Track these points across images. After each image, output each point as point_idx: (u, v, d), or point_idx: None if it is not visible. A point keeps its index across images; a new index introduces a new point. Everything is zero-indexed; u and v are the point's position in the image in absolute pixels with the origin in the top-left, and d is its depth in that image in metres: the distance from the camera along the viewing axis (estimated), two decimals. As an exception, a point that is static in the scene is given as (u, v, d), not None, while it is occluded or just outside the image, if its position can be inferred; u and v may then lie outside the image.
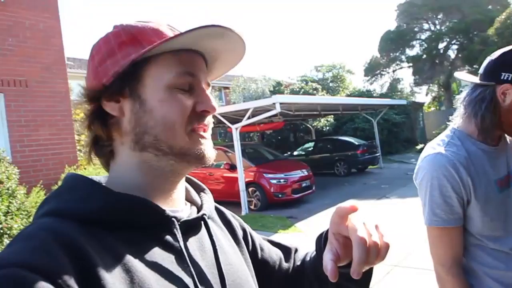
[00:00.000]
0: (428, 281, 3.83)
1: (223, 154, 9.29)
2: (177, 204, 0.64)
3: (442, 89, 24.52)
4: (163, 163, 0.59)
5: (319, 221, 6.93)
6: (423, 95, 30.65)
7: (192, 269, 0.56)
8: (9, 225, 3.07)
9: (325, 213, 7.56)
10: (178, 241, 0.57)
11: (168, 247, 0.57)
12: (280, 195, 8.38)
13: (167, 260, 0.55)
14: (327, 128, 17.79)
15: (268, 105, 8.00)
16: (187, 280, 0.55)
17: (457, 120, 1.36)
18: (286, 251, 0.85)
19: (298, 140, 18.47)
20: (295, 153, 14.44)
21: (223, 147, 9.54)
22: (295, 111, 10.93)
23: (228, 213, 0.81)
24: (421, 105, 22.96)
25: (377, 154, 13.56)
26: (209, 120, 0.63)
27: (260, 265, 0.77)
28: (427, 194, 1.27)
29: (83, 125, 0.62)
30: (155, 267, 0.53)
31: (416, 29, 23.77)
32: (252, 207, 8.42)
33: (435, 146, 1.31)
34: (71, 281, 0.43)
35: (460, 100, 1.33)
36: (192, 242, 0.62)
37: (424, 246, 4.85)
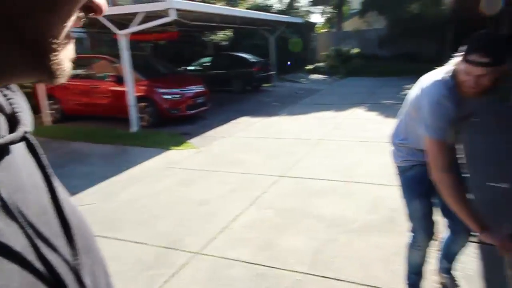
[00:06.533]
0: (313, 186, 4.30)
1: (108, 65, 8.44)
2: None
3: (336, 11, 25.49)
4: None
5: (213, 137, 7.00)
6: (319, 16, 31.55)
7: (24, 224, 0.31)
8: None
9: (219, 129, 7.66)
10: None
11: None
12: (174, 111, 8.10)
13: None
14: (226, 42, 17.27)
15: (162, 11, 7.17)
16: (22, 242, 0.31)
17: None
18: None
19: (195, 55, 17.59)
20: (191, 67, 13.81)
21: (108, 57, 8.62)
22: (192, 21, 10.13)
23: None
24: (313, 25, 23.67)
25: (272, 73, 13.89)
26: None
27: None
28: None
29: None
30: None
31: None
32: (144, 123, 7.99)
33: None
34: None
35: None
36: (13, 175, 0.34)
37: (305, 156, 5.35)
